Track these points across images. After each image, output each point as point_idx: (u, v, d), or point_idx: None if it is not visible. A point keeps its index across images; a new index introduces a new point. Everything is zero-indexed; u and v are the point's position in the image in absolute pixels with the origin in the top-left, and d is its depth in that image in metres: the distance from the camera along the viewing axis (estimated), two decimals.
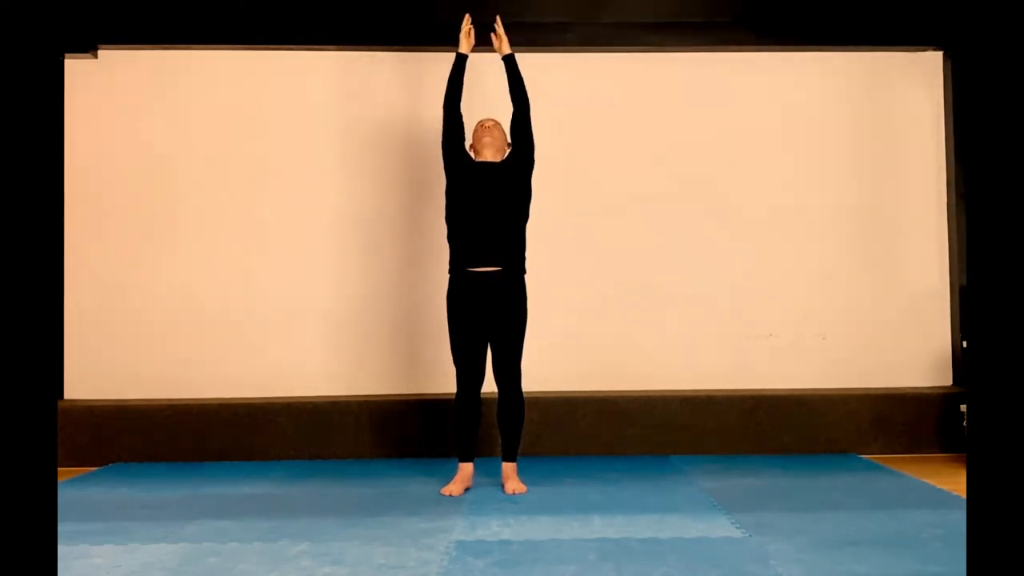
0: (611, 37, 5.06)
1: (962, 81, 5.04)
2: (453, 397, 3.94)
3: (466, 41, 4.01)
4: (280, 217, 5.06)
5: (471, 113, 4.04)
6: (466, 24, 4.01)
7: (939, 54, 5.14)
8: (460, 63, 4.00)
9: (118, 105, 5.06)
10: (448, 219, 3.91)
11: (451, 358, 3.92)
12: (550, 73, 5.11)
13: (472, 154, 3.98)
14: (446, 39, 5.00)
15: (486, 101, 4.24)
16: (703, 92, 5.14)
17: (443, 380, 4.69)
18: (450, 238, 3.90)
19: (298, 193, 5.06)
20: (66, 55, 4.97)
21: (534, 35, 5.02)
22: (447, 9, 4.97)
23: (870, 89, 5.15)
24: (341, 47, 5.06)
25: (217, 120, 5.08)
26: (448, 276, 3.92)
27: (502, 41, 4.01)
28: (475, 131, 3.98)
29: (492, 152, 3.91)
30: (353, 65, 5.10)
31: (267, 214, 5.06)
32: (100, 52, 5.03)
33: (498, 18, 4.05)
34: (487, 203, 3.83)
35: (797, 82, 5.16)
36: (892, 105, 5.15)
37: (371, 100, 5.10)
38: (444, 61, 5.05)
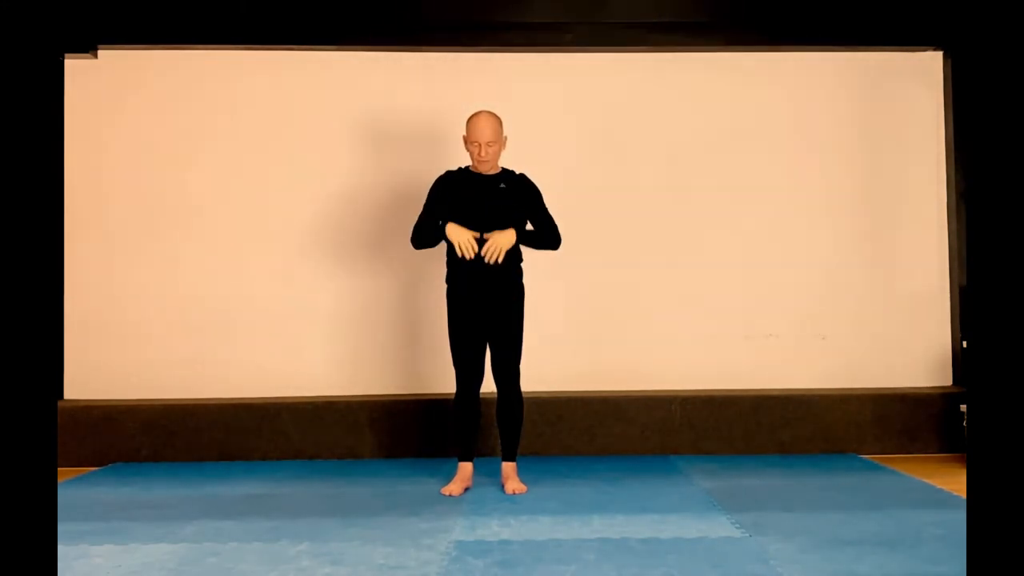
0: (611, 37, 5.06)
1: (962, 81, 5.04)
2: (453, 397, 3.94)
3: (454, 238, 3.73)
4: (280, 217, 5.06)
5: (463, 114, 4.00)
6: (471, 246, 3.72)
7: (939, 54, 5.14)
8: (440, 236, 3.82)
9: (118, 105, 5.06)
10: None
11: (451, 358, 3.93)
12: (550, 73, 5.11)
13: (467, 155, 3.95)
14: (449, 39, 5.03)
15: (484, 103, 4.21)
16: (703, 92, 5.14)
17: (443, 380, 4.69)
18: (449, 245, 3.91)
19: (298, 193, 5.06)
20: (66, 55, 4.97)
21: (534, 35, 5.02)
22: (449, 9, 4.98)
23: (870, 89, 5.15)
24: (343, 47, 5.06)
25: (217, 120, 5.08)
26: (447, 277, 3.93)
27: (497, 245, 3.73)
28: (471, 142, 3.83)
29: (488, 167, 3.89)
30: (355, 65, 5.09)
31: (267, 214, 5.06)
32: (100, 52, 5.03)
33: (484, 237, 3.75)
34: (484, 210, 3.80)
35: (797, 82, 5.16)
36: (892, 105, 5.15)
37: (373, 100, 5.10)
38: (448, 60, 5.09)
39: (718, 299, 5.07)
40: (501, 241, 3.76)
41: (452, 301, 3.89)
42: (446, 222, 3.83)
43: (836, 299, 5.09)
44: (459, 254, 3.75)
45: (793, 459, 4.62)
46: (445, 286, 3.94)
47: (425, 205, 3.92)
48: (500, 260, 3.76)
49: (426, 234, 3.88)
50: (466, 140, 3.87)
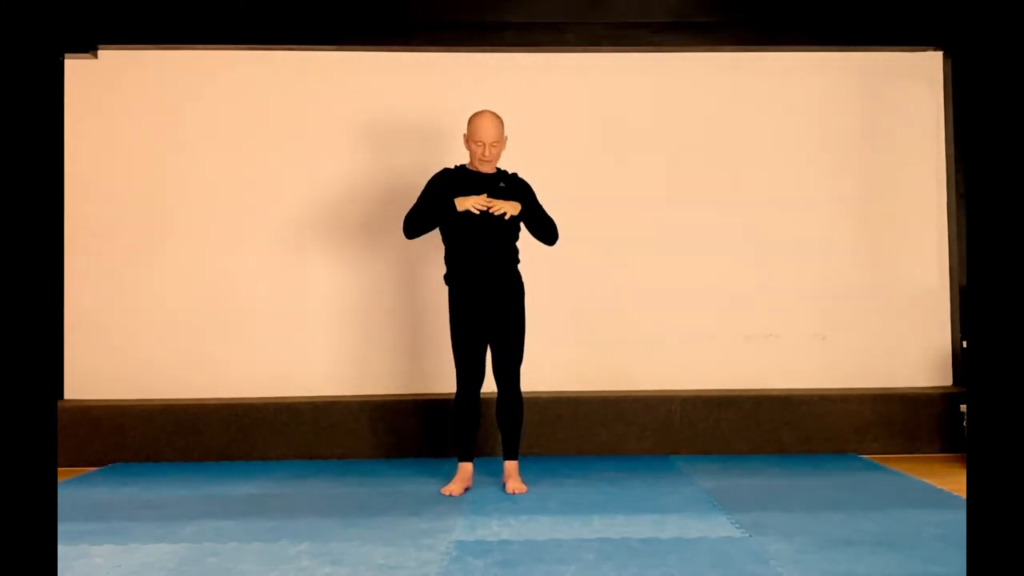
0: (611, 37, 5.05)
1: (962, 81, 5.04)
2: (453, 397, 3.94)
3: (466, 204, 3.73)
4: (281, 217, 5.06)
5: (462, 114, 4.00)
6: (482, 203, 3.73)
7: (939, 54, 5.14)
8: (446, 214, 3.80)
9: (118, 105, 5.06)
10: (443, 230, 3.91)
11: (451, 358, 3.92)
12: (550, 73, 5.11)
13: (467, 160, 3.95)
14: (449, 39, 5.03)
15: (484, 102, 4.21)
16: (703, 92, 5.14)
17: (443, 380, 4.69)
18: (447, 245, 3.91)
19: (298, 193, 5.06)
20: (66, 55, 4.97)
21: (534, 35, 5.02)
22: (449, 9, 4.98)
23: (870, 89, 5.15)
24: (343, 47, 5.05)
25: (217, 120, 5.08)
26: (446, 277, 3.93)
27: (503, 205, 3.75)
28: (475, 142, 3.82)
29: (489, 167, 3.89)
30: (355, 64, 5.09)
31: (268, 214, 5.06)
32: (100, 52, 5.03)
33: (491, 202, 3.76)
34: (484, 209, 3.80)
35: (797, 82, 5.16)
36: (892, 105, 5.15)
37: (372, 100, 5.09)
38: (448, 60, 5.09)
39: (718, 299, 5.07)
40: (506, 205, 3.76)
41: (454, 301, 3.89)
42: (446, 215, 3.85)
43: (836, 299, 5.09)
44: (476, 212, 3.73)
45: (793, 459, 4.62)
46: (446, 287, 3.94)
47: (421, 196, 3.91)
48: (507, 216, 3.74)
49: (424, 217, 3.85)
50: (468, 139, 3.87)
